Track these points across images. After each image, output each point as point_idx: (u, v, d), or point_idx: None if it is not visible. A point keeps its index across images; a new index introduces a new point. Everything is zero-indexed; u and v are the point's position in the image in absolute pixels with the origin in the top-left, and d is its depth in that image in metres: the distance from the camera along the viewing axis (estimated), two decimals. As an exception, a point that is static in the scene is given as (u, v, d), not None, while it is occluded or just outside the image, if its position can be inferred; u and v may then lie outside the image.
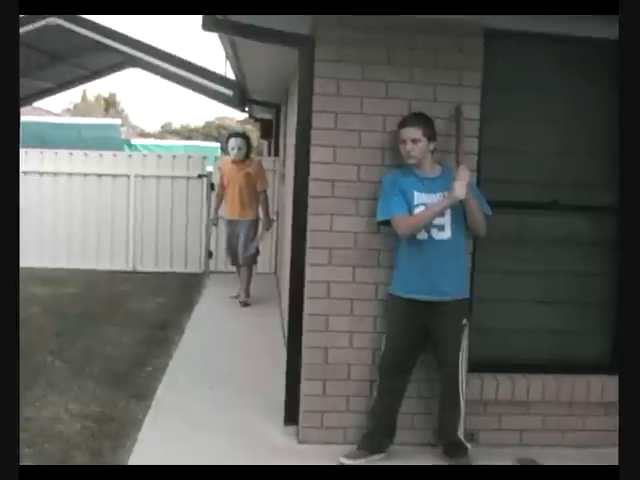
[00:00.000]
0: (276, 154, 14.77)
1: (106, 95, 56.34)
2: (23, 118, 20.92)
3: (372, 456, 5.44)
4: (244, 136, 10.60)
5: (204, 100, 17.11)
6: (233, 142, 10.36)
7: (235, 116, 38.93)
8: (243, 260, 10.58)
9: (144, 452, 5.48)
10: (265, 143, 23.16)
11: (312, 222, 5.50)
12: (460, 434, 5.43)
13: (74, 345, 8.17)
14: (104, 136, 23.35)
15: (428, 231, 5.18)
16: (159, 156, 13.71)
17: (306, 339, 5.60)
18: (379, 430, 5.49)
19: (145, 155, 14.47)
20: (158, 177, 13.25)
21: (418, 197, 5.21)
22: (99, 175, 13.23)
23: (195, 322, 9.34)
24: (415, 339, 5.36)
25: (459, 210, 5.20)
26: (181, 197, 13.18)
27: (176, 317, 9.62)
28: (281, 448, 5.59)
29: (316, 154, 5.46)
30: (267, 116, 17.98)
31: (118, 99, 58.20)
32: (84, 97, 54.02)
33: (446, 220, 5.19)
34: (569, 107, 5.82)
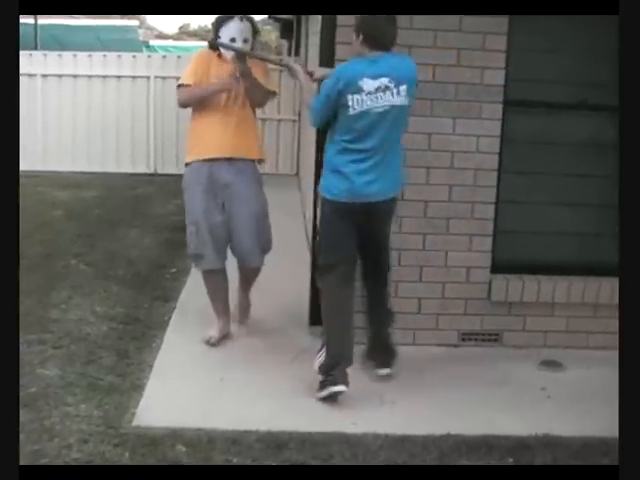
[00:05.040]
0: (296, 53, 14.55)
1: (122, -3, 55.68)
2: (40, 20, 20.76)
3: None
4: (250, 20, 5.80)
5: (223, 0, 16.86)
6: (235, 28, 5.64)
7: (253, 17, 38.29)
8: (251, 259, 5.81)
9: (170, 353, 5.54)
10: (285, 43, 22.92)
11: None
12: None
13: (97, 248, 8.18)
14: (122, 38, 23.10)
15: None
16: (178, 57, 13.54)
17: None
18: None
19: (164, 56, 14.28)
20: (178, 78, 13.07)
21: None
22: (118, 77, 13.10)
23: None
24: None
25: None
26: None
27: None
28: (306, 349, 5.60)
29: (340, 51, 5.37)
30: (287, 16, 17.73)
31: (135, 0, 57.52)
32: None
33: None
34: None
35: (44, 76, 12.85)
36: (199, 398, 4.88)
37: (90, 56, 13.27)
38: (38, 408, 4.65)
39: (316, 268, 5.32)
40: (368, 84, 4.72)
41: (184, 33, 50.52)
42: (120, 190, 11.56)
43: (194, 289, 6.64)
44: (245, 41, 5.66)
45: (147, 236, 8.69)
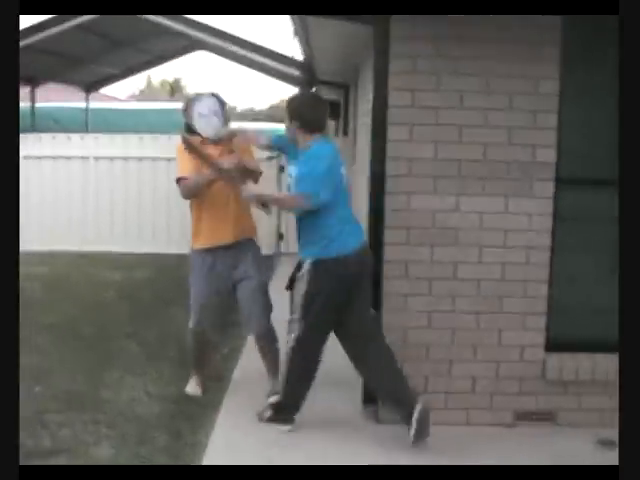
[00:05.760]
0: (344, 134, 14.70)
1: (171, 80, 56.78)
2: (91, 105, 21.25)
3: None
4: (218, 97, 6.01)
5: (268, 83, 17.16)
6: (204, 105, 5.85)
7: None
8: (259, 324, 6.09)
9: (223, 433, 5.52)
10: (332, 124, 23.17)
11: (389, 201, 5.47)
12: None
13: (149, 328, 8.21)
14: (171, 120, 23.52)
15: None
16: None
17: (385, 319, 5.56)
18: None
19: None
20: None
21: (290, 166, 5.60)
22: (168, 159, 13.28)
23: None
24: None
25: None
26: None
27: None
28: (359, 429, 5.57)
29: (393, 132, 5.42)
30: (333, 97, 17.95)
31: (183, 83, 58.61)
32: (149, 83, 54.59)
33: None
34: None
35: (96, 158, 13.09)
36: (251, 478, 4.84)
37: (141, 138, 13.52)
38: (93, 489, 4.67)
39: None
40: None
41: (233, 115, 51.20)
42: (171, 270, 11.64)
43: (246, 369, 6.65)
44: (215, 113, 5.86)
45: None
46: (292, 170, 5.47)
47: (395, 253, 5.49)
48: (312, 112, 5.47)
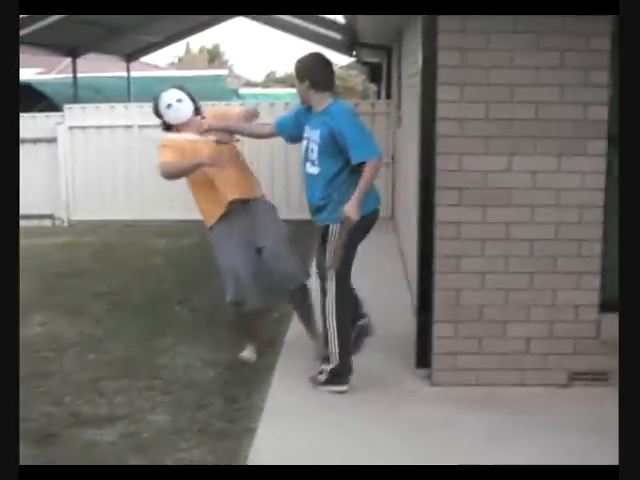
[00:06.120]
0: (388, 96, 14.61)
1: (210, 47, 56.71)
2: (133, 73, 21.26)
3: None
4: (181, 87, 6.31)
5: (307, 47, 17.11)
6: (168, 97, 6.13)
7: (338, 62, 38.50)
8: (297, 277, 6.21)
9: (278, 396, 5.56)
10: (372, 87, 23.06)
11: (440, 162, 5.44)
12: None
13: (199, 295, 8.26)
14: (212, 87, 23.50)
15: (304, 165, 5.70)
16: (272, 104, 13.67)
17: (437, 281, 5.55)
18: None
19: (258, 103, 14.45)
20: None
21: (306, 131, 5.70)
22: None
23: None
24: None
25: (330, 147, 5.46)
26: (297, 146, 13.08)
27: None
28: (414, 392, 5.58)
29: (443, 93, 5.38)
30: (374, 59, 17.84)
31: (222, 50, 58.55)
32: (188, 50, 54.50)
33: (315, 157, 5.55)
34: None
35: (140, 127, 13.12)
36: (310, 440, 4.88)
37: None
38: (151, 454, 4.72)
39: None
40: None
41: (271, 80, 51.14)
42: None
43: (298, 332, 6.66)
44: (179, 100, 6.12)
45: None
46: (314, 134, 5.57)
47: (447, 214, 5.46)
48: (323, 71, 5.63)
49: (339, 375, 5.61)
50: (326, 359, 5.67)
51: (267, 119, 12.94)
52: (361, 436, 4.92)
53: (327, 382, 5.61)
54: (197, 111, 6.26)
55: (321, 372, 5.66)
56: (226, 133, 6.07)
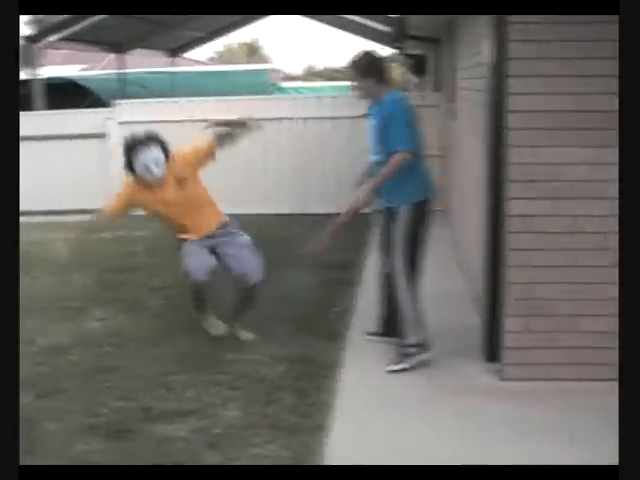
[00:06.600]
0: (436, 89, 14.51)
1: (248, 41, 56.81)
2: (177, 69, 21.38)
3: None
4: (157, 139, 6.48)
5: (348, 39, 17.12)
6: (148, 155, 6.32)
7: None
8: (255, 274, 6.69)
9: (348, 391, 5.55)
10: (412, 79, 22.94)
11: (511, 155, 5.38)
12: None
13: (261, 289, 8.18)
14: (255, 81, 23.57)
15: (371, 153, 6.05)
16: (318, 97, 13.67)
17: (509, 275, 5.49)
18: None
19: (305, 97, 14.47)
20: (318, 119, 13.23)
21: (369, 122, 6.05)
22: (263, 119, 13.28)
23: (371, 262, 9.27)
24: None
25: (384, 135, 5.80)
26: (345, 137, 13.08)
27: (352, 257, 9.61)
28: (485, 386, 5.54)
29: (514, 85, 5.32)
30: (418, 51, 17.74)
31: (260, 44, 58.62)
32: (227, 45, 54.63)
33: (374, 144, 5.94)
34: None
35: (191, 122, 13.17)
36: (387, 436, 4.86)
37: (228, 100, 13.64)
38: (225, 449, 4.72)
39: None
40: None
41: (310, 74, 51.14)
42: (270, 230, 11.66)
43: (361, 327, 6.64)
44: (157, 164, 6.33)
45: (305, 275, 8.71)
46: (372, 124, 5.95)
47: (518, 207, 5.40)
48: (385, 67, 5.96)
49: (421, 345, 5.88)
50: (403, 337, 5.90)
51: (313, 113, 13.09)
52: (436, 432, 4.91)
53: (412, 354, 5.86)
54: (167, 157, 6.46)
55: (403, 346, 5.88)
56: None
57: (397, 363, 5.86)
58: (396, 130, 5.73)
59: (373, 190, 5.86)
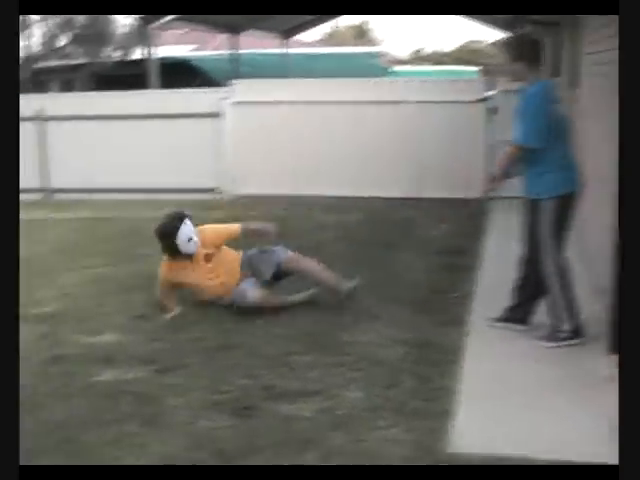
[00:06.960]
0: (555, 75, 14.23)
1: (357, 23, 56.78)
2: (288, 50, 21.46)
3: None
4: (188, 216, 7.22)
5: (457, 23, 16.95)
6: (189, 230, 7.04)
7: (485, 39, 38.06)
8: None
9: (473, 378, 5.49)
10: (518, 67, 22.53)
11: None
12: None
13: (372, 271, 8.16)
14: (365, 64, 23.53)
15: None
16: (433, 81, 13.58)
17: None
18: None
19: (407, 81, 14.38)
20: (432, 103, 13.12)
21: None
22: (377, 102, 13.26)
23: (489, 248, 9.19)
24: None
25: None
26: (459, 122, 12.96)
27: (469, 243, 9.51)
28: (611, 378, 5.42)
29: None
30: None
31: (369, 27, 58.53)
32: (335, 27, 54.66)
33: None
34: None
35: (306, 103, 13.24)
36: (514, 425, 4.80)
37: (342, 82, 13.65)
38: (350, 430, 4.73)
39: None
40: None
41: (418, 58, 50.91)
42: (383, 213, 11.65)
43: (482, 313, 6.58)
44: (189, 240, 6.98)
45: (420, 259, 8.68)
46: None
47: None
48: (538, 51, 5.98)
49: (574, 332, 5.93)
50: (556, 322, 5.98)
51: (429, 96, 12.96)
52: (561, 423, 4.82)
53: (564, 339, 5.93)
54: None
55: (555, 331, 5.98)
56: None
57: (549, 341, 5.97)
58: (520, 123, 5.76)
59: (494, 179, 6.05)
